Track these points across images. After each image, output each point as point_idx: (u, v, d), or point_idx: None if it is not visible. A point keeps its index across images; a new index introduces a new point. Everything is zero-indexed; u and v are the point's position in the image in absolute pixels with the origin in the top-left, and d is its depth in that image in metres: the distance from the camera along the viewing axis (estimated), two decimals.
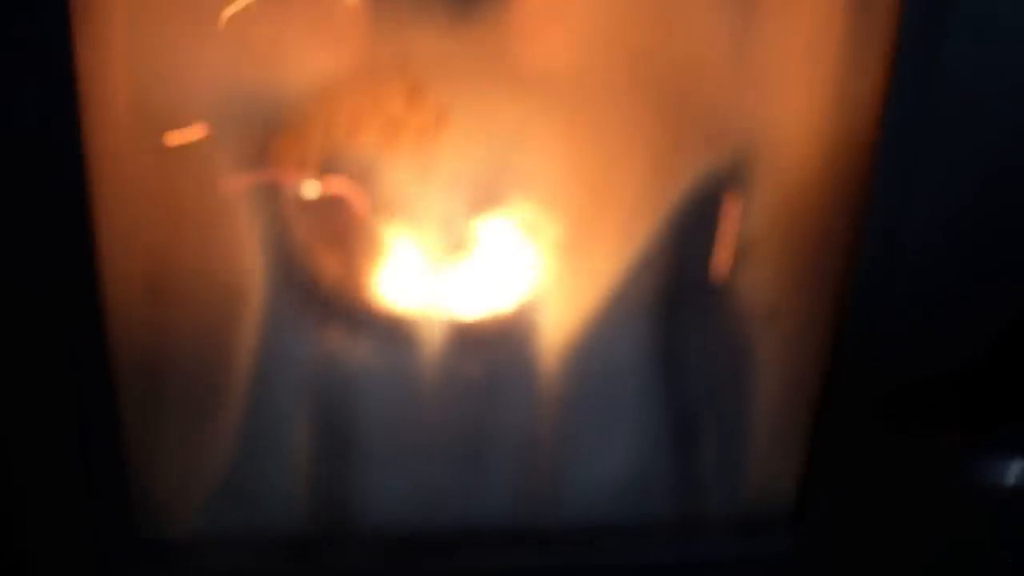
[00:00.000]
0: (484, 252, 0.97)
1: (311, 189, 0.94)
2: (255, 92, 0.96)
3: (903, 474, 0.97)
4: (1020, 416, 0.90)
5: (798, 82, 0.93)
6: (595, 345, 1.01)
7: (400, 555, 1.01)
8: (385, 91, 0.90)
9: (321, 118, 0.90)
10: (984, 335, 0.93)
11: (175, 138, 0.90)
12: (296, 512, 1.02)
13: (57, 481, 0.96)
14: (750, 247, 0.96)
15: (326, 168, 0.93)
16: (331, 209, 0.96)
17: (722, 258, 0.96)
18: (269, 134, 0.92)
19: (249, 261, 0.95)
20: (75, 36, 0.82)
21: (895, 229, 0.90)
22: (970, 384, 0.93)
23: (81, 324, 0.90)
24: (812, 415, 0.99)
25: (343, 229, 0.96)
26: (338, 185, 0.93)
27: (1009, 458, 0.87)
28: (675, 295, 1.00)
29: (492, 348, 1.00)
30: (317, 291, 1.01)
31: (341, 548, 1.02)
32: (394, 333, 1.00)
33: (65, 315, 0.90)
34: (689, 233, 0.97)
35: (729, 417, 1.02)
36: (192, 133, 0.90)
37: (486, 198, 0.95)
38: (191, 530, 1.01)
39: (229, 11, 0.91)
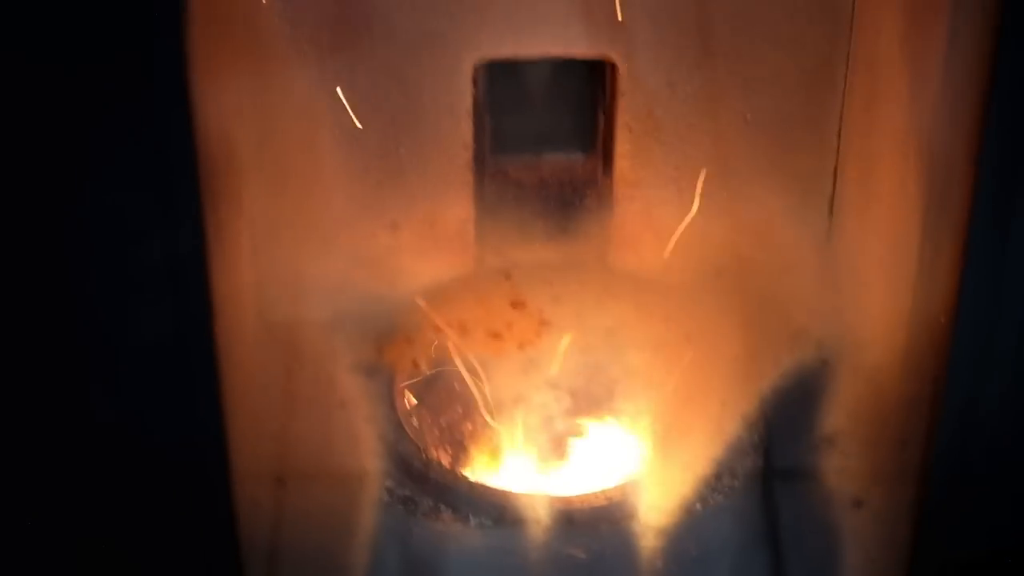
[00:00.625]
0: (586, 444, 1.03)
1: (423, 387, 1.01)
2: (371, 300, 1.04)
3: None
4: None
5: (876, 281, 0.99)
6: (691, 529, 1.07)
7: None
8: (490, 299, 0.97)
9: (431, 324, 0.98)
10: None
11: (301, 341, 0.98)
12: None
13: None
14: (835, 439, 1.01)
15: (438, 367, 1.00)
16: (443, 404, 1.03)
17: (809, 449, 1.02)
18: (384, 337, 1.00)
19: (367, 452, 1.02)
20: (208, 257, 0.88)
21: (970, 420, 0.95)
22: None
23: (213, 514, 0.96)
24: None
25: (454, 423, 1.03)
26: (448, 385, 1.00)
27: None
28: (766, 484, 1.05)
29: (595, 532, 1.06)
30: (431, 478, 1.08)
31: None
32: (502, 517, 1.07)
33: (198, 506, 0.95)
34: (778, 426, 1.04)
35: None
36: (315, 338, 0.98)
37: (585, 395, 1.01)
38: None
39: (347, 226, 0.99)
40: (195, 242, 0.87)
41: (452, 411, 1.12)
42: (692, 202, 1.11)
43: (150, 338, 0.90)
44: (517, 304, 0.99)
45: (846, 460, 1.02)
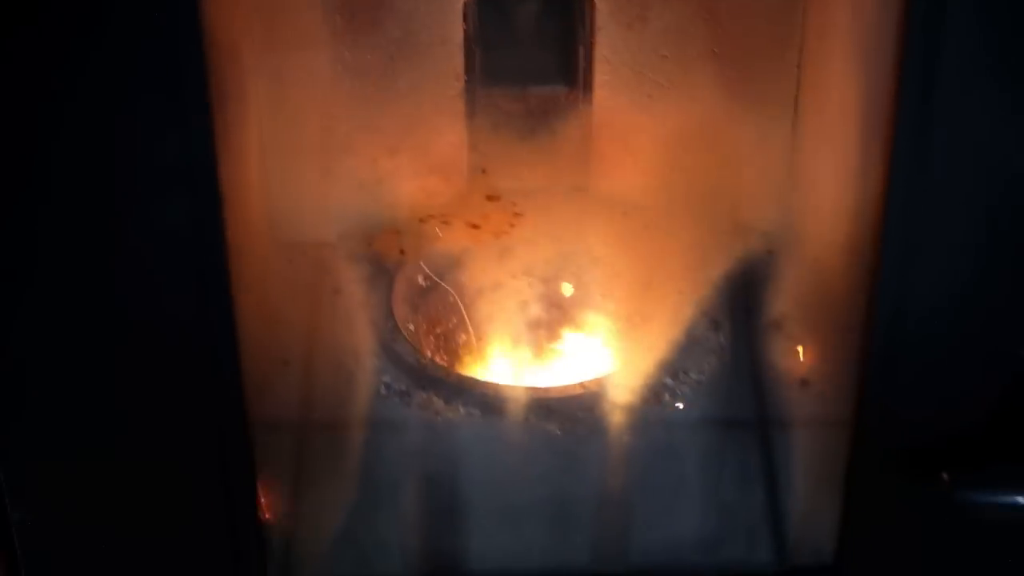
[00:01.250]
0: (557, 332, 1.15)
1: (410, 276, 1.13)
2: (372, 221, 1.16)
3: (924, 517, 1.11)
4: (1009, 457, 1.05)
5: (820, 183, 1.10)
6: (660, 416, 1.18)
7: None
8: (468, 195, 1.09)
9: (415, 217, 1.09)
10: (985, 392, 1.08)
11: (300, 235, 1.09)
12: (405, 559, 1.20)
13: (202, 534, 1.10)
14: (782, 323, 1.12)
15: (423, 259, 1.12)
16: (428, 294, 1.15)
17: (759, 334, 1.13)
18: (375, 230, 1.11)
19: (362, 337, 1.13)
20: (218, 158, 0.97)
21: (903, 303, 1.03)
22: (972, 434, 1.07)
23: (224, 393, 1.04)
24: (845, 473, 1.13)
25: (438, 311, 1.15)
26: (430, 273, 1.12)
27: (998, 492, 1.02)
28: (720, 369, 1.17)
29: (571, 417, 1.17)
30: (424, 374, 1.20)
31: None
32: (489, 407, 1.18)
33: (209, 385, 1.03)
34: (730, 314, 1.15)
35: (772, 478, 1.18)
36: (312, 232, 1.09)
37: (556, 286, 1.13)
38: (315, 574, 1.18)
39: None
40: (205, 139, 0.95)
41: (447, 321, 1.24)
42: (665, 129, 1.22)
43: (165, 229, 0.98)
44: (492, 197, 1.11)
45: (792, 343, 1.12)
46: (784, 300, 1.12)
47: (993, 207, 1.00)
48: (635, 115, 1.19)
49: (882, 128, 0.99)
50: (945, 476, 1.01)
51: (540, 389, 1.15)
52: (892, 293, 1.02)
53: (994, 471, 1.01)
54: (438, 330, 1.22)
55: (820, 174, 1.13)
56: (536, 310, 1.13)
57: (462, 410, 1.16)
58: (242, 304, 1.02)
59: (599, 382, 1.15)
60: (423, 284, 1.20)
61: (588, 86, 1.23)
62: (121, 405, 1.04)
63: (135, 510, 1.09)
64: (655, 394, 1.16)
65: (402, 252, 1.15)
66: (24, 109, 0.93)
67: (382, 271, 1.19)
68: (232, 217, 0.99)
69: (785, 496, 1.18)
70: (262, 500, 1.11)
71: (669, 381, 1.17)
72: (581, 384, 1.16)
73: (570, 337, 1.17)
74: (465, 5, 1.19)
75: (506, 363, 1.17)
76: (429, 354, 1.18)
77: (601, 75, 1.23)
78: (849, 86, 1.07)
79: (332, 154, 1.10)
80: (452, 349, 1.20)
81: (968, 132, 0.98)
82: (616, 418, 1.14)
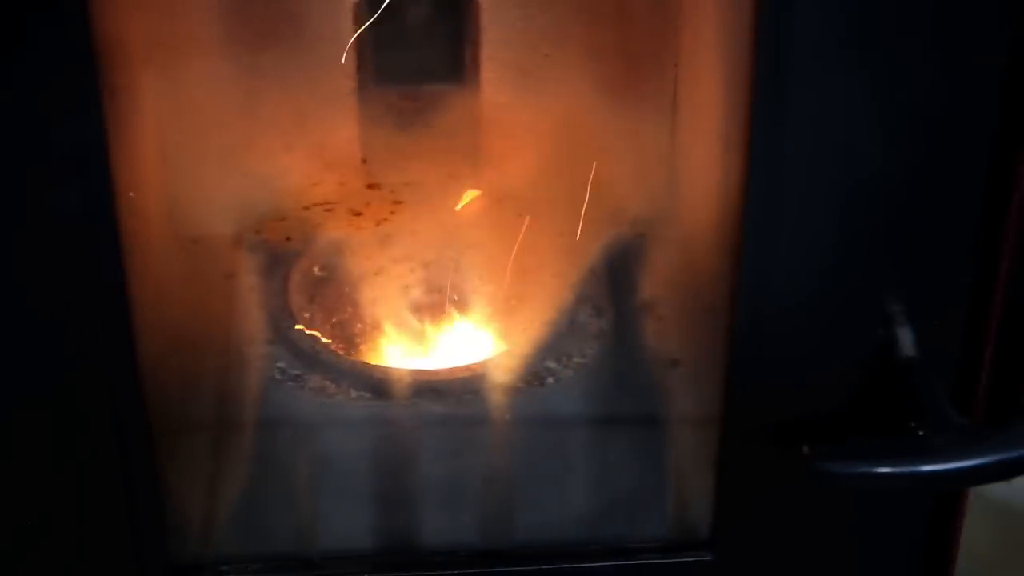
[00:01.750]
0: (439, 317, 1.20)
1: (304, 266, 1.18)
2: (270, 215, 1.21)
3: (790, 488, 1.16)
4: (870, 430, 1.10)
5: (688, 169, 1.16)
6: (542, 398, 1.24)
7: (380, 568, 1.22)
8: (350, 184, 1.14)
9: (299, 206, 1.14)
10: (846, 368, 1.13)
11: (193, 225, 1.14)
12: (298, 539, 1.25)
13: (102, 515, 1.13)
14: (653, 305, 1.18)
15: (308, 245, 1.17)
16: (322, 284, 1.20)
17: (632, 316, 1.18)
18: (263, 219, 1.16)
19: (255, 321, 1.18)
20: (110, 144, 1.01)
21: (764, 287, 1.08)
22: (835, 408, 1.13)
23: (120, 374, 1.08)
24: (716, 449, 1.19)
25: (327, 296, 1.20)
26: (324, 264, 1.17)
27: (854, 463, 1.08)
28: (602, 352, 1.22)
29: (457, 400, 1.22)
30: (318, 359, 1.25)
31: (338, 565, 1.23)
32: (379, 390, 1.23)
33: (106, 366, 1.07)
34: (606, 297, 1.21)
35: (650, 457, 1.24)
36: (205, 221, 1.14)
37: (436, 267, 1.18)
38: (213, 553, 1.23)
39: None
40: (96, 129, 0.99)
41: (342, 311, 1.29)
42: (547, 124, 1.28)
43: (59, 216, 1.02)
44: (372, 186, 1.16)
45: (663, 324, 1.18)
46: (655, 283, 1.18)
47: (848, 189, 1.05)
48: (519, 111, 1.24)
49: (742, 118, 1.04)
50: (805, 449, 1.06)
51: (427, 372, 1.20)
52: (754, 273, 1.08)
53: (850, 443, 1.07)
54: (333, 320, 1.27)
55: (691, 163, 1.18)
56: (418, 294, 1.18)
57: (354, 393, 1.20)
58: (137, 291, 1.06)
59: (484, 365, 1.20)
60: (317, 273, 1.25)
61: (475, 83, 1.28)
62: (19, 391, 1.09)
63: (35, 489, 1.13)
64: (539, 376, 1.21)
65: (288, 239, 1.20)
66: None
67: (276, 260, 1.24)
68: (126, 206, 1.04)
69: (663, 473, 1.24)
70: (160, 480, 1.14)
71: (553, 364, 1.22)
72: (467, 367, 1.20)
73: (453, 321, 1.22)
74: (356, 5, 1.24)
75: (394, 347, 1.22)
76: (324, 340, 1.22)
77: (487, 72, 1.28)
78: (716, 80, 1.13)
79: (226, 148, 1.15)
80: (344, 335, 1.24)
81: (820, 119, 1.03)
82: (501, 399, 1.19)
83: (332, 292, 1.25)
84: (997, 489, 1.51)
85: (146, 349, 1.09)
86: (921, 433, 1.05)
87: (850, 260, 1.09)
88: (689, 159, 1.18)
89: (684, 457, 1.21)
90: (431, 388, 1.20)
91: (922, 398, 1.06)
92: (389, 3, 1.15)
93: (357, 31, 1.20)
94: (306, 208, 1.16)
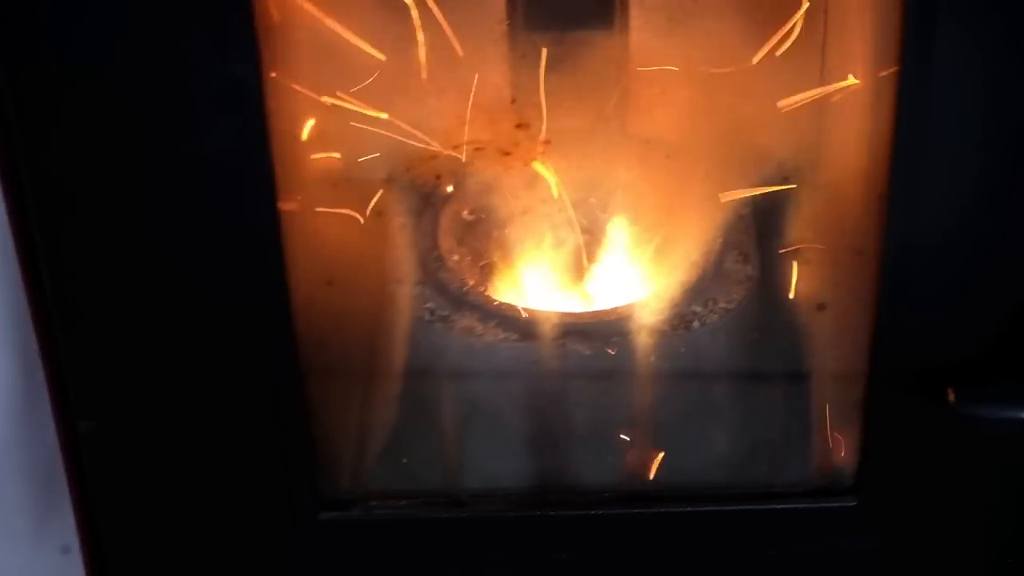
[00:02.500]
0: (587, 256, 1.21)
1: (447, 203, 1.19)
2: (420, 157, 1.22)
3: (935, 433, 1.16)
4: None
5: (832, 119, 1.16)
6: (688, 343, 1.24)
7: (525, 506, 1.24)
8: (500, 124, 1.15)
9: (448, 145, 1.16)
10: (989, 314, 1.13)
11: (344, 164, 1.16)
12: (446, 475, 1.27)
13: (256, 452, 1.17)
14: (799, 249, 1.18)
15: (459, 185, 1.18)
16: (471, 227, 1.22)
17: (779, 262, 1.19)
18: (413, 157, 1.18)
19: (405, 262, 1.20)
20: (265, 83, 1.03)
21: (913, 232, 1.08)
22: (982, 353, 1.13)
23: (273, 313, 1.10)
24: (863, 394, 1.19)
25: (476, 236, 1.21)
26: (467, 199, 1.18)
27: (1000, 407, 1.08)
28: (744, 297, 1.23)
29: (602, 339, 1.24)
30: (466, 301, 1.27)
31: (484, 503, 1.25)
32: (526, 332, 1.25)
33: (259, 305, 1.10)
34: (754, 242, 1.21)
35: (795, 399, 1.24)
36: (356, 161, 1.16)
37: (585, 212, 1.19)
38: (362, 489, 1.25)
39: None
40: (251, 66, 1.01)
41: (490, 253, 1.31)
42: (694, 69, 1.28)
43: (214, 154, 1.05)
44: (521, 126, 1.18)
45: (809, 267, 1.18)
46: (802, 228, 1.18)
47: (996, 134, 1.05)
48: (665, 54, 1.25)
49: (892, 62, 1.03)
50: (951, 393, 1.06)
51: (574, 314, 1.21)
52: (902, 219, 1.08)
53: (996, 388, 1.06)
54: (482, 264, 1.28)
55: (839, 108, 1.18)
56: (565, 235, 1.19)
57: (501, 334, 1.22)
58: (289, 230, 1.08)
59: (631, 307, 1.21)
60: (467, 216, 1.26)
61: (624, 27, 1.28)
62: (179, 325, 1.12)
63: (192, 426, 1.16)
64: (685, 320, 1.22)
65: (438, 178, 1.22)
66: (69, 38, 0.99)
67: (426, 201, 1.25)
68: (279, 144, 1.06)
69: (808, 419, 1.24)
70: (312, 416, 1.17)
71: (699, 308, 1.23)
72: (614, 309, 1.21)
73: (600, 262, 1.23)
74: None
75: (542, 289, 1.23)
76: (472, 284, 1.24)
77: (636, 18, 1.28)
78: (865, 24, 1.12)
79: (380, 89, 1.16)
80: (492, 276, 1.26)
81: (969, 63, 1.03)
82: (647, 342, 1.20)
83: (481, 234, 1.26)
84: None
85: (298, 288, 1.11)
86: None
87: (998, 204, 1.08)
88: (837, 104, 1.18)
89: (830, 403, 1.21)
90: (578, 330, 1.21)
91: None
92: None
93: None
94: (455, 147, 1.18)
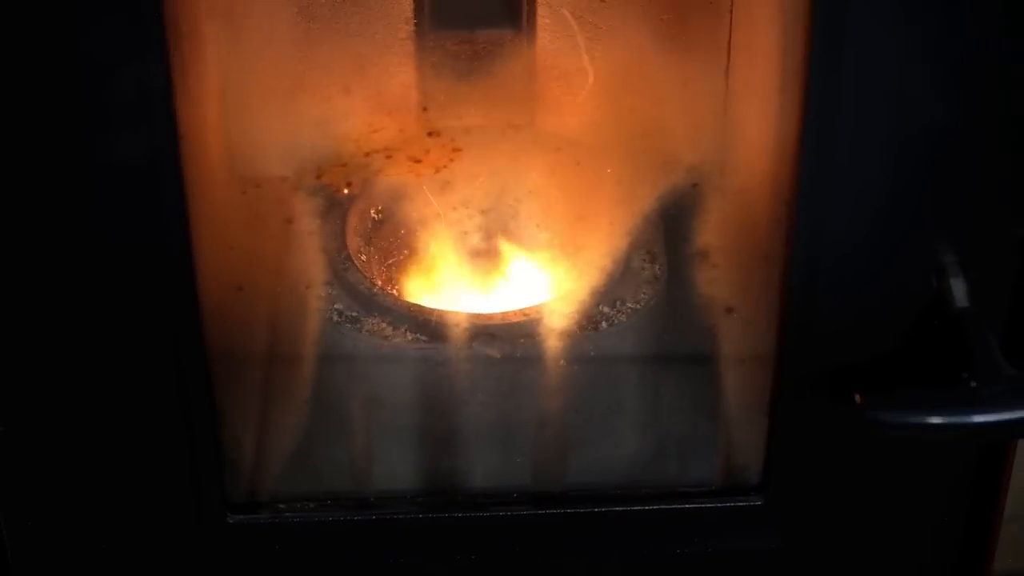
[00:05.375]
0: (495, 260, 1.21)
1: (361, 211, 1.19)
2: (327, 157, 1.22)
3: (841, 436, 1.18)
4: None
5: (744, 119, 1.17)
6: (595, 343, 1.25)
7: (432, 508, 1.24)
8: (410, 131, 1.15)
9: (360, 153, 1.16)
10: (895, 318, 1.14)
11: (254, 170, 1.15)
12: (355, 479, 1.27)
13: (163, 454, 1.16)
14: (708, 253, 1.19)
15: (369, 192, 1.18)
16: (379, 227, 1.22)
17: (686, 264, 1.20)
18: (324, 164, 1.18)
19: (314, 263, 1.20)
20: (176, 90, 1.02)
21: (819, 236, 1.09)
22: (888, 357, 1.14)
23: (182, 318, 1.10)
24: (770, 396, 1.20)
25: (385, 240, 1.21)
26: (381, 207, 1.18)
27: (906, 411, 1.09)
28: (652, 298, 1.24)
29: (512, 343, 1.24)
30: (375, 301, 1.26)
31: (391, 505, 1.25)
32: (435, 333, 1.25)
33: (168, 309, 1.09)
34: (661, 245, 1.22)
35: (702, 402, 1.25)
36: (265, 167, 1.16)
37: (493, 217, 1.19)
38: (269, 491, 1.25)
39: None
40: (162, 74, 1.01)
41: (399, 255, 1.31)
42: (603, 70, 1.28)
43: (124, 161, 1.04)
44: (433, 133, 1.18)
45: (717, 272, 1.19)
46: (710, 231, 1.19)
47: (902, 138, 1.06)
48: (574, 57, 1.25)
49: (799, 65, 1.04)
50: (857, 396, 1.07)
51: (483, 315, 1.22)
52: (808, 222, 1.09)
53: (902, 392, 1.08)
54: (389, 262, 1.28)
55: (746, 110, 1.19)
56: (475, 240, 1.20)
57: (409, 336, 1.22)
58: (199, 234, 1.07)
59: (539, 309, 1.22)
60: (375, 217, 1.26)
61: (531, 29, 1.28)
62: (83, 331, 1.11)
63: (97, 429, 1.16)
64: (593, 321, 1.23)
65: (349, 184, 1.22)
66: None
67: (335, 204, 1.25)
68: (189, 151, 1.05)
69: (714, 418, 1.25)
70: (219, 419, 1.17)
71: (607, 309, 1.24)
72: (522, 311, 1.22)
73: (509, 266, 1.23)
74: None
75: (451, 292, 1.23)
76: (380, 284, 1.24)
77: (543, 18, 1.29)
78: (772, 26, 1.13)
79: (286, 93, 1.16)
80: (402, 280, 1.26)
81: (876, 67, 1.04)
82: (555, 344, 1.20)
83: (390, 236, 1.26)
84: None
85: (207, 292, 1.11)
86: (973, 384, 1.06)
87: (904, 210, 1.09)
88: (744, 106, 1.19)
89: (735, 403, 1.22)
90: (486, 331, 1.21)
91: (974, 349, 1.07)
92: None
93: None
94: (367, 155, 1.17)
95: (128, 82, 1.01)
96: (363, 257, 1.25)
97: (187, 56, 1.04)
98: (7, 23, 0.98)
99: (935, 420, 1.06)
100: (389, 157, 1.17)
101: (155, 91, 1.01)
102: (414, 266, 1.23)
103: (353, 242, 1.23)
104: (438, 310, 1.22)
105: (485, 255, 1.23)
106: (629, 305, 1.25)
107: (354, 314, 1.23)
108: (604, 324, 1.23)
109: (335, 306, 1.23)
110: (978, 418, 1.06)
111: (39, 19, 0.98)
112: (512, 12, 1.29)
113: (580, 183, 1.18)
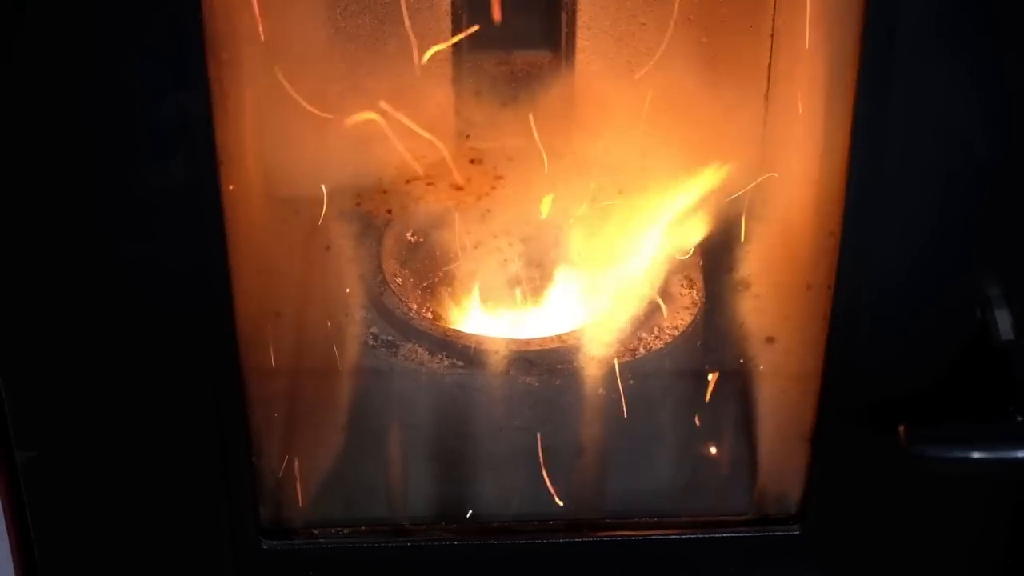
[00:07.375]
0: (536, 289, 1.21)
1: (397, 234, 1.19)
2: (363, 178, 1.21)
3: (883, 469, 1.17)
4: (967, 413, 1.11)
5: (788, 150, 1.16)
6: (633, 369, 1.24)
7: (467, 535, 1.23)
8: (452, 158, 1.14)
9: (402, 178, 1.15)
10: (943, 350, 1.13)
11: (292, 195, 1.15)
12: (389, 503, 1.26)
13: (198, 480, 1.15)
14: (749, 282, 1.18)
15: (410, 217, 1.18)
16: (415, 250, 1.21)
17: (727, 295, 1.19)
18: (364, 191, 1.17)
19: (352, 290, 1.19)
20: (215, 117, 1.02)
21: (864, 269, 1.08)
22: (932, 389, 1.13)
23: (220, 344, 1.09)
24: (811, 426, 1.19)
25: (424, 266, 1.21)
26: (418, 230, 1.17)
27: (950, 446, 1.08)
28: (692, 330, 1.23)
29: (550, 370, 1.23)
30: (411, 326, 1.26)
31: (427, 531, 1.24)
32: (472, 359, 1.24)
33: (205, 334, 1.08)
34: (702, 274, 1.21)
35: (742, 431, 1.24)
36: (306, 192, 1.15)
37: (536, 242, 1.19)
38: (304, 517, 1.24)
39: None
40: (202, 101, 1.00)
41: (433, 277, 1.30)
42: (644, 93, 1.27)
43: (164, 187, 1.04)
44: (475, 160, 1.17)
45: (759, 301, 1.18)
46: (752, 260, 1.18)
47: (949, 171, 1.05)
48: (614, 80, 1.24)
49: (846, 96, 1.03)
50: (902, 430, 1.06)
51: (520, 342, 1.21)
52: (853, 254, 1.08)
53: (946, 426, 1.07)
54: (424, 284, 1.27)
55: (789, 140, 1.18)
56: (515, 267, 1.19)
57: (446, 361, 1.21)
58: (237, 258, 1.07)
59: (577, 335, 1.21)
60: (411, 240, 1.25)
61: (570, 52, 1.27)
62: (122, 354, 1.10)
63: (133, 454, 1.15)
64: (631, 347, 1.22)
65: (389, 212, 1.21)
66: (27, 67, 0.98)
67: (371, 228, 1.24)
68: (228, 175, 1.05)
69: (754, 448, 1.24)
70: (254, 445, 1.16)
71: (645, 335, 1.23)
72: (559, 337, 1.21)
73: (549, 293, 1.22)
74: None
75: (490, 318, 1.22)
76: (416, 308, 1.23)
77: (583, 41, 1.28)
78: (817, 55, 1.12)
79: (325, 119, 1.15)
80: (437, 304, 1.25)
81: (923, 101, 1.03)
82: (592, 370, 1.20)
83: (430, 263, 1.25)
84: None
85: (245, 318, 1.10)
86: (1019, 418, 1.04)
87: (949, 241, 1.08)
88: (787, 136, 1.18)
89: (774, 431, 1.21)
90: (524, 358, 1.20)
91: (1019, 381, 1.06)
92: None
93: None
94: (408, 182, 1.17)
95: (168, 109, 1.00)
96: (398, 280, 1.24)
97: (226, 83, 1.03)
98: (51, 52, 0.97)
99: (979, 455, 1.05)
100: (430, 184, 1.16)
101: (195, 118, 1.01)
102: (451, 291, 1.22)
103: (389, 265, 1.22)
104: (476, 336, 1.20)
105: (525, 282, 1.22)
106: (667, 331, 1.23)
107: (390, 338, 1.22)
108: (642, 350, 1.22)
109: (371, 330, 1.22)
110: (1023, 453, 1.05)
111: (82, 47, 0.97)
112: (551, 35, 1.28)
113: (623, 211, 1.17)
